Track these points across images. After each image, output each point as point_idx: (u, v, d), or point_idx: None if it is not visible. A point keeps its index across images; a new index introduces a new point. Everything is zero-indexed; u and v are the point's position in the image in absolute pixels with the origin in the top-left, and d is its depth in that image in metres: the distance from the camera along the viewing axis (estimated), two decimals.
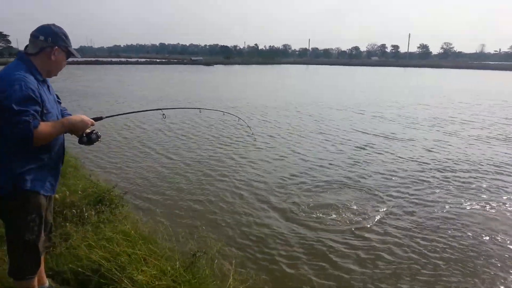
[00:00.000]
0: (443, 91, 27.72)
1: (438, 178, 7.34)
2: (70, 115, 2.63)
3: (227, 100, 20.09)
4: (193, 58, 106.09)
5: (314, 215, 5.54)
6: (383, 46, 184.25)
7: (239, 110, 16.45)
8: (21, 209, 2.37)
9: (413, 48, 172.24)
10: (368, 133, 11.77)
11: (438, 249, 4.64)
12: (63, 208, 4.17)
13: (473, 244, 4.79)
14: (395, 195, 6.42)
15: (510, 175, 7.57)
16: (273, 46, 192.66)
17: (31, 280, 2.57)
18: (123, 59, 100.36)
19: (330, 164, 8.25)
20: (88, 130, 2.52)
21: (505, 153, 9.44)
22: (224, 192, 6.47)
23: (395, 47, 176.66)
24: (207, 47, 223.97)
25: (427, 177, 7.35)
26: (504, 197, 6.38)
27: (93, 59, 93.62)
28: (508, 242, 4.85)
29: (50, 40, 2.36)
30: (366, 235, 4.98)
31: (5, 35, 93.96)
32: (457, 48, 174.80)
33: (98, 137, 2.57)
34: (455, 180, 7.21)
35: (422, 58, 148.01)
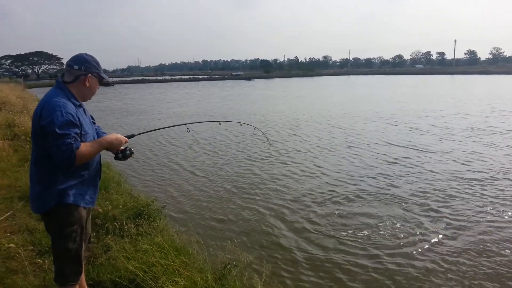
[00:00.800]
0: (483, 99, 26.38)
1: (474, 192, 7.02)
2: (105, 133, 2.86)
3: (258, 114, 20.38)
4: (233, 73, 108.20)
5: (345, 233, 5.51)
6: (428, 53, 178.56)
7: (269, 123, 16.62)
8: (64, 221, 2.58)
9: (460, 54, 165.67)
10: (399, 146, 11.44)
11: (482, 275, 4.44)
12: (105, 221, 4.43)
13: None
14: (432, 213, 6.22)
15: None
16: (313, 58, 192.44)
17: (73, 286, 2.76)
18: (167, 77, 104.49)
19: (357, 178, 8.13)
20: (122, 147, 2.73)
21: None
22: (252, 207, 6.63)
23: (441, 54, 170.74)
24: (248, 62, 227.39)
25: (461, 192, 7.06)
26: None
27: (139, 78, 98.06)
28: None
29: (83, 69, 2.56)
30: (405, 257, 4.88)
31: (59, 58, 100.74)
32: (508, 53, 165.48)
33: (131, 153, 2.76)
34: (492, 194, 6.87)
35: (470, 64, 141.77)
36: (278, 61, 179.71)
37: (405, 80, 65.71)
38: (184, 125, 3.47)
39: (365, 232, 5.50)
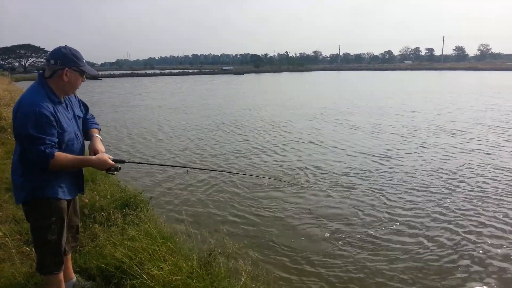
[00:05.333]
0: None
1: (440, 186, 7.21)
2: (96, 125, 2.91)
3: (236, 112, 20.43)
4: (223, 68, 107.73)
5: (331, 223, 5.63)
6: (417, 49, 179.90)
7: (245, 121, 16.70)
8: (43, 213, 2.60)
9: (449, 51, 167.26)
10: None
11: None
12: (92, 211, 4.49)
13: None
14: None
15: None
16: (303, 53, 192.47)
17: (56, 275, 2.78)
18: (157, 71, 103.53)
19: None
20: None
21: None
22: (240, 199, 6.68)
23: (430, 50, 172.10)
24: (238, 56, 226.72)
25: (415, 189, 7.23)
26: None
27: (128, 71, 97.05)
28: None
29: (60, 63, 2.49)
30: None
31: (47, 51, 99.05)
32: (495, 49, 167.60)
33: (116, 169, 2.71)
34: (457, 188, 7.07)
35: (458, 61, 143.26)
36: (269, 56, 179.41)
37: (391, 75, 66.31)
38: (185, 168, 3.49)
39: (346, 221, 5.64)
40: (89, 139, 2.88)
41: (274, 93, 31.99)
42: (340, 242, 5.02)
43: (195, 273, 3.12)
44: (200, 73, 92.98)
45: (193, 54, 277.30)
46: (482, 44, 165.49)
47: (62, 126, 2.52)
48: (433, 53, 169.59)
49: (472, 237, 5.11)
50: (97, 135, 2.89)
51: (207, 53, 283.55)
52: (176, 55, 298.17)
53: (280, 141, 11.64)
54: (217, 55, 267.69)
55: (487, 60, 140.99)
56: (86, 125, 2.91)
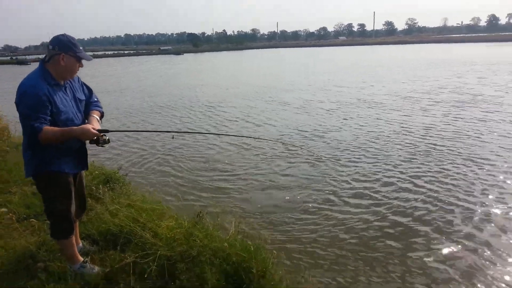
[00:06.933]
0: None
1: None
2: (99, 107, 3.18)
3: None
4: (162, 48, 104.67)
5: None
6: (350, 25, 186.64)
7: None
8: (52, 185, 2.93)
9: (379, 26, 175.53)
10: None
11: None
12: None
13: None
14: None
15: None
16: (241, 31, 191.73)
17: (68, 239, 3.15)
18: (89, 53, 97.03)
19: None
20: (95, 138, 2.91)
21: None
22: (218, 170, 7.23)
23: (362, 25, 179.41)
24: (174, 35, 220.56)
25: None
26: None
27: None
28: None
29: (57, 49, 2.76)
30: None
31: None
32: (421, 23, 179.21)
33: (105, 141, 2.94)
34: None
35: (388, 35, 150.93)
36: (206, 34, 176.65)
37: (323, 51, 68.64)
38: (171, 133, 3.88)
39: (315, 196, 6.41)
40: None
41: (216, 73, 32.15)
42: (298, 205, 5.66)
43: (193, 228, 3.63)
44: (137, 54, 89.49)
45: (126, 34, 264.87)
46: (409, 19, 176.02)
47: (58, 106, 2.79)
48: (365, 28, 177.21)
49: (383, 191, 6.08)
50: (94, 115, 3.12)
51: (141, 33, 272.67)
52: (107, 36, 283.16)
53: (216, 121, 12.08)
54: (152, 35, 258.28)
55: (415, 34, 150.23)
56: (89, 107, 3.16)
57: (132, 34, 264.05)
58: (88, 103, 3.17)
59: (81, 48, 2.92)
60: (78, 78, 3.13)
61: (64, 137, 2.78)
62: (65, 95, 2.91)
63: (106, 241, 3.68)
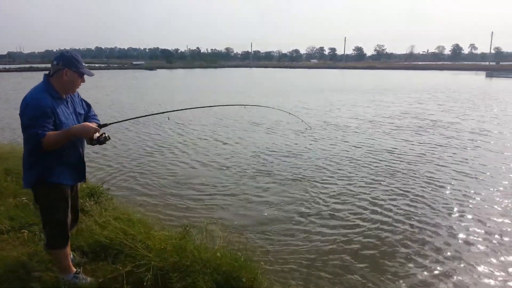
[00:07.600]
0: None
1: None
2: (97, 120, 3.36)
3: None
4: (134, 63, 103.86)
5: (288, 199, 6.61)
6: (321, 48, 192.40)
7: None
8: (51, 196, 3.06)
9: (349, 50, 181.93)
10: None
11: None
12: None
13: None
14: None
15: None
16: (215, 49, 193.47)
17: (63, 249, 3.25)
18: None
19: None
20: (97, 134, 3.10)
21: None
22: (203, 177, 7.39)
23: (333, 49, 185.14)
24: (147, 50, 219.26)
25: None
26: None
27: (26, 65, 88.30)
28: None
29: (61, 64, 2.93)
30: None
31: None
32: (389, 49, 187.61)
33: (105, 138, 3.14)
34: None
35: (357, 60, 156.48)
36: (180, 51, 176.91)
37: (290, 73, 70.27)
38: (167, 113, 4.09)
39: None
40: None
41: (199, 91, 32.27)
42: (277, 221, 5.92)
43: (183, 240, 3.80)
44: (108, 67, 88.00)
45: (97, 47, 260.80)
46: (378, 45, 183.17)
47: (60, 118, 2.95)
48: (336, 52, 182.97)
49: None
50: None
51: (112, 46, 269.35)
52: (77, 48, 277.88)
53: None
54: (124, 49, 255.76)
55: (383, 60, 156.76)
56: (87, 121, 3.29)
57: (103, 48, 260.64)
58: (87, 117, 3.34)
59: (83, 64, 3.11)
60: (78, 93, 3.30)
61: (67, 136, 2.91)
62: (66, 109, 3.07)
63: (95, 252, 3.78)
